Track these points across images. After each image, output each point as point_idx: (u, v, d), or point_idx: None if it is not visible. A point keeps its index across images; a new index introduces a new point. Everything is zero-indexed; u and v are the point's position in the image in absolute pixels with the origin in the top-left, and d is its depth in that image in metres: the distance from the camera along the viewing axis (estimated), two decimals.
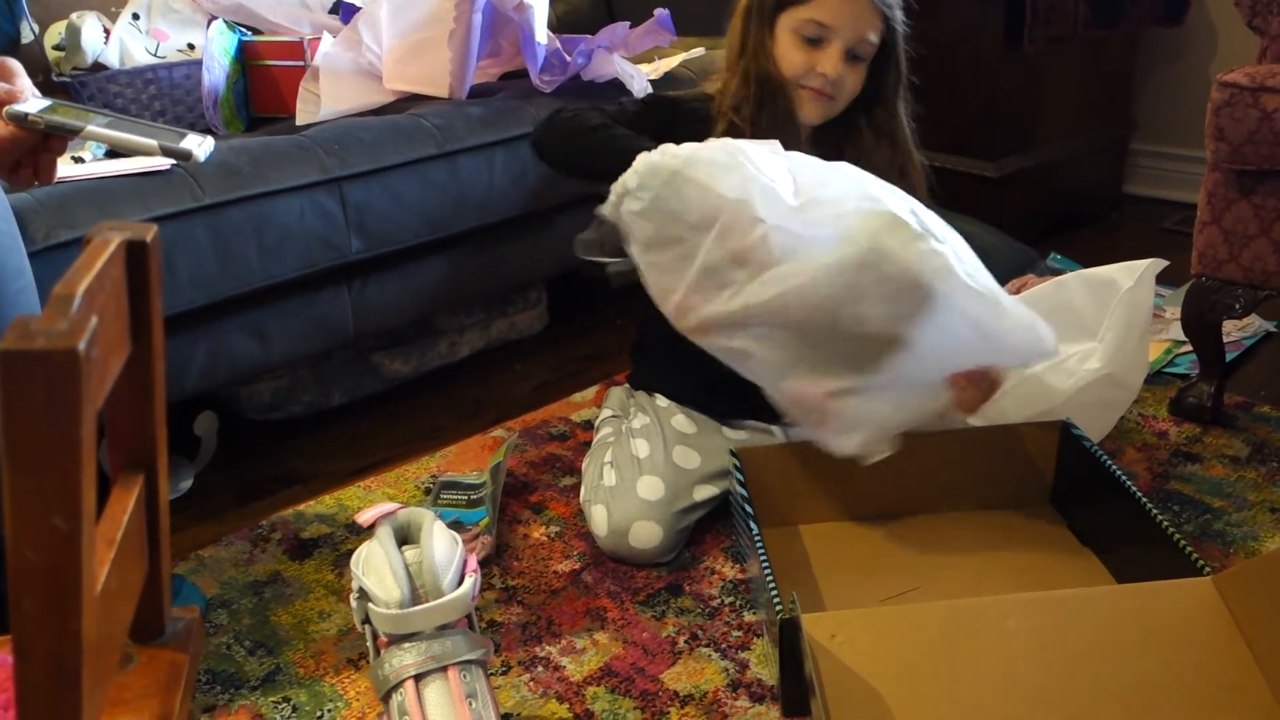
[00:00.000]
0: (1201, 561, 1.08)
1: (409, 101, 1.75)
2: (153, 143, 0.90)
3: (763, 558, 1.13)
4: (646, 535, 1.29)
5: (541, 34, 1.76)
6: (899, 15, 1.34)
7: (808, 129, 1.37)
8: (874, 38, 1.31)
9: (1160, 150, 2.59)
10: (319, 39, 1.73)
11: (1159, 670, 0.99)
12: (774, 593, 1.08)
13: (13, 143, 0.88)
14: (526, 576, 1.31)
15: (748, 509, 1.22)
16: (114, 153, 1.44)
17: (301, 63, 1.72)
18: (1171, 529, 1.14)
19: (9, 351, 0.43)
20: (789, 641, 1.03)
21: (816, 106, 1.33)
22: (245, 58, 1.74)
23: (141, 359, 0.60)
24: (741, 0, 1.36)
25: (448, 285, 1.72)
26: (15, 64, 0.89)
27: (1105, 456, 1.28)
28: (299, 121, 1.66)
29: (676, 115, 1.38)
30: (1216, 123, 1.43)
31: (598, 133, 1.25)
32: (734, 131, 1.30)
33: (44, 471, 0.45)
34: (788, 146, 1.15)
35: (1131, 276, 1.36)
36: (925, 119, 2.28)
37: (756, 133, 1.29)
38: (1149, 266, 1.36)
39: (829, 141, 1.36)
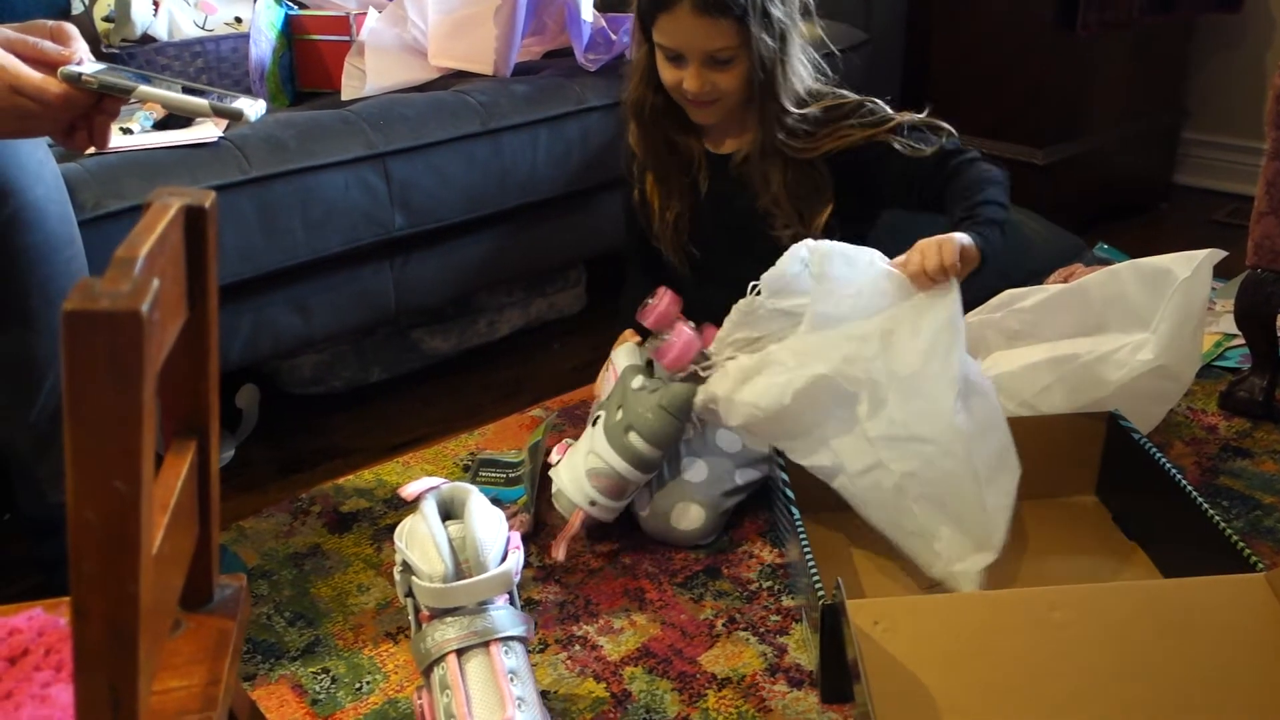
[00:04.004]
0: (1255, 557, 1.06)
1: (454, 78, 1.74)
2: (204, 103, 0.90)
3: (804, 542, 1.12)
4: (690, 517, 1.28)
5: (587, 12, 1.75)
6: (759, 8, 1.28)
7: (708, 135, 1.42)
8: (727, 42, 1.29)
9: (1213, 140, 2.53)
10: (365, 14, 1.73)
11: (1208, 666, 0.97)
12: (815, 578, 1.07)
13: (67, 104, 0.88)
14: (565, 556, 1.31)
15: (789, 494, 1.20)
16: (162, 124, 1.45)
17: (347, 38, 1.72)
18: (1221, 522, 1.12)
19: (74, 312, 0.43)
20: (831, 627, 1.02)
21: (700, 113, 1.37)
22: (292, 32, 1.74)
23: (197, 325, 0.60)
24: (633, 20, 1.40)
25: (489, 263, 1.72)
26: (71, 28, 0.90)
27: (1153, 448, 1.25)
28: (344, 97, 1.66)
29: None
30: (1278, 109, 1.39)
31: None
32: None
33: (105, 432, 0.45)
34: (680, 163, 1.42)
35: (1188, 266, 1.33)
36: (970, 103, 2.26)
37: (670, 149, 1.41)
38: (1207, 257, 1.33)
39: (728, 165, 1.41)
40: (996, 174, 1.33)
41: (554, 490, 1.28)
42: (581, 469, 1.25)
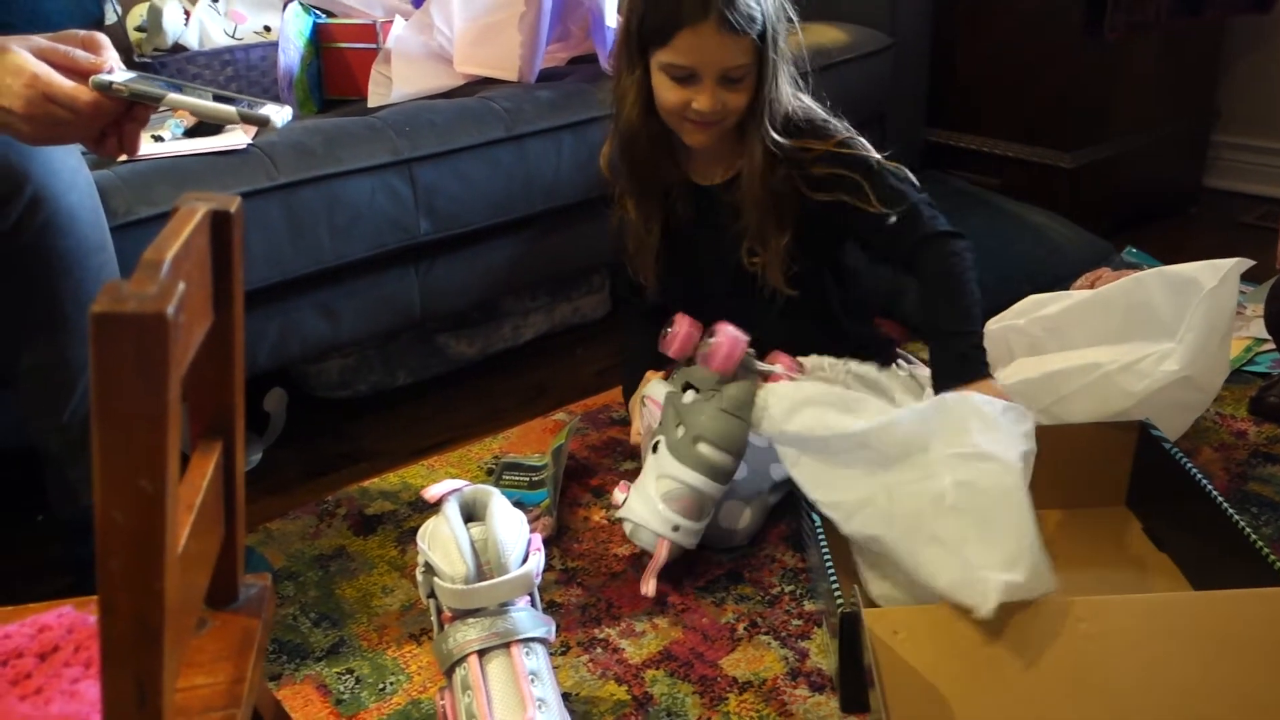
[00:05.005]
0: None
1: (479, 85, 1.75)
2: (232, 110, 0.92)
3: (824, 547, 1.12)
4: (739, 516, 1.29)
5: (611, 18, 1.75)
6: (771, 29, 1.28)
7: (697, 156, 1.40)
8: (744, 60, 1.28)
9: (1243, 142, 2.50)
10: (391, 22, 1.75)
11: (1236, 681, 0.96)
12: (834, 584, 1.06)
13: (98, 111, 0.90)
14: (586, 559, 1.31)
15: (810, 499, 1.20)
16: (192, 132, 1.47)
17: (374, 45, 1.74)
18: (1254, 536, 1.10)
19: (101, 314, 0.44)
20: (849, 635, 1.02)
21: (702, 134, 1.34)
22: (319, 40, 1.76)
23: (222, 329, 0.61)
24: (618, 40, 1.37)
25: (513, 268, 1.73)
26: (103, 37, 0.92)
27: (1185, 458, 1.24)
28: (371, 103, 1.68)
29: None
30: None
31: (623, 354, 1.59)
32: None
33: (132, 432, 0.46)
34: (660, 188, 1.41)
35: (1215, 276, 1.31)
36: (997, 106, 2.25)
37: (647, 173, 1.40)
38: (1233, 266, 1.31)
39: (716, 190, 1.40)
40: (966, 259, 1.32)
41: (629, 530, 1.24)
42: (655, 497, 1.22)
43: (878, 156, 1.37)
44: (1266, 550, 1.08)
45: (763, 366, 1.30)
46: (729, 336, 1.27)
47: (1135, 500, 1.34)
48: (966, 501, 1.05)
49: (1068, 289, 1.59)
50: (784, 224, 1.36)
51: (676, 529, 1.21)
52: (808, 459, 1.17)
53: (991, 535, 1.04)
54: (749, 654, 1.15)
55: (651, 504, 1.22)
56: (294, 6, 1.72)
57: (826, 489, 1.14)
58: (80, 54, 0.91)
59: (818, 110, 1.38)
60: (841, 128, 1.38)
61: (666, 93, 1.31)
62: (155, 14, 1.66)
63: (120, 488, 0.46)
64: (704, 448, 1.22)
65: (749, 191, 1.35)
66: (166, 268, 0.47)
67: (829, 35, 2.06)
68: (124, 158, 1.05)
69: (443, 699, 1.00)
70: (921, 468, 1.09)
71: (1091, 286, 1.55)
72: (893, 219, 1.32)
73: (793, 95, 1.36)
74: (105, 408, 0.45)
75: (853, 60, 2.04)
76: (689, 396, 1.28)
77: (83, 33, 0.93)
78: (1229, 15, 2.31)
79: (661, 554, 1.21)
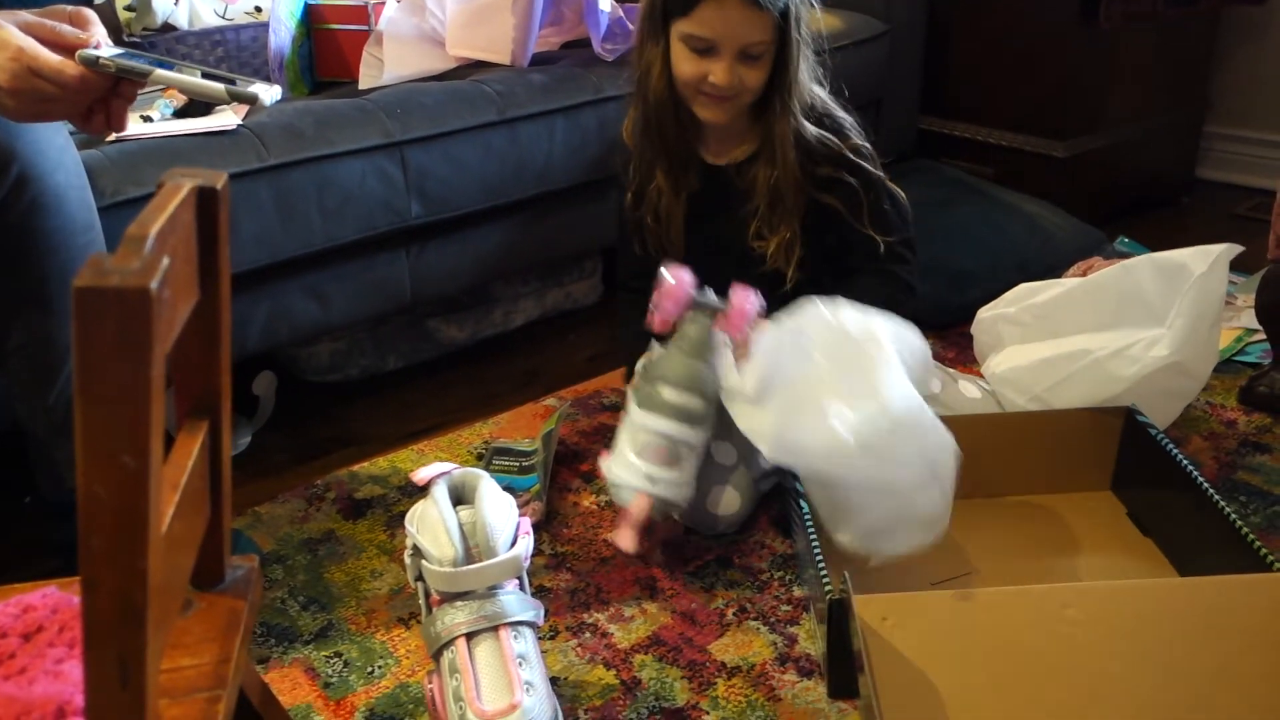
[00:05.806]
0: (1271, 556, 1.05)
1: (471, 68, 1.74)
2: (220, 87, 0.91)
3: (812, 535, 1.12)
4: (727, 501, 1.29)
5: (605, 2, 1.75)
6: (794, 10, 1.29)
7: (712, 134, 1.40)
8: (764, 37, 1.28)
9: (1236, 133, 2.50)
10: (383, 4, 1.74)
11: (1223, 666, 0.96)
12: (822, 570, 1.06)
13: (84, 86, 0.89)
14: (576, 544, 1.31)
15: (798, 486, 1.20)
16: (182, 113, 1.46)
17: (366, 27, 1.73)
18: (1239, 521, 1.11)
19: (84, 288, 0.43)
20: (837, 621, 1.02)
21: (716, 109, 1.34)
22: (311, 21, 1.75)
23: (209, 307, 0.60)
24: (642, 10, 1.36)
25: (504, 253, 1.73)
26: (90, 13, 0.91)
27: (1170, 444, 1.24)
28: (362, 86, 1.67)
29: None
30: None
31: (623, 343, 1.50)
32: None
33: (115, 408, 0.45)
34: (688, 159, 1.39)
35: (1204, 262, 1.31)
36: (991, 95, 2.25)
37: (664, 143, 1.38)
38: (1223, 252, 1.31)
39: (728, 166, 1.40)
40: (900, 299, 1.35)
41: (614, 495, 1.23)
42: (629, 452, 1.21)
43: (882, 175, 1.38)
44: (1252, 536, 1.08)
45: (715, 303, 1.24)
46: (666, 284, 1.22)
47: (1121, 485, 1.34)
48: (829, 362, 1.10)
49: (1059, 278, 1.59)
50: (796, 210, 1.36)
51: (653, 480, 1.19)
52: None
53: (847, 381, 1.08)
54: (738, 639, 1.15)
55: (624, 459, 1.21)
56: None
57: (780, 449, 1.15)
58: (67, 29, 0.90)
59: (835, 107, 1.38)
60: (855, 130, 1.38)
61: (684, 63, 1.31)
62: None
63: (102, 463, 0.46)
64: (665, 390, 1.20)
65: (765, 174, 1.35)
66: (151, 243, 0.46)
67: (824, 21, 2.04)
68: (112, 136, 1.04)
69: (431, 682, 1.00)
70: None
71: (1084, 275, 1.55)
72: (880, 247, 1.35)
73: (811, 87, 1.36)
74: (88, 382, 0.45)
75: (847, 46, 2.04)
76: (656, 352, 1.27)
77: (70, 8, 0.92)
78: (1223, 6, 2.31)
79: (638, 508, 1.18)
